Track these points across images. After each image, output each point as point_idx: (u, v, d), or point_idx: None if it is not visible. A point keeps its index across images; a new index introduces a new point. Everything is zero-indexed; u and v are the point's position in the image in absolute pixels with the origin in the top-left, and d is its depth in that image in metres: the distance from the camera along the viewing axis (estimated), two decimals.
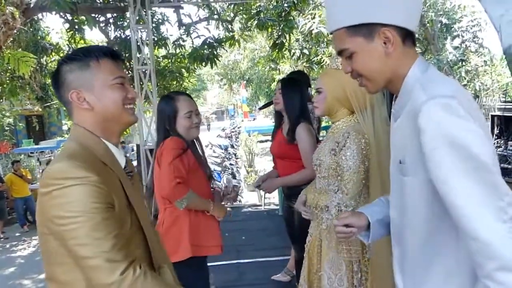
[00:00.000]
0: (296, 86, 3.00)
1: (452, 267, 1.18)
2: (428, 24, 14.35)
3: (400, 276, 1.35)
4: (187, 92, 10.88)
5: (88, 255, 1.13)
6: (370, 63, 1.21)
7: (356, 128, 2.07)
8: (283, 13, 8.20)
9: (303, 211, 2.37)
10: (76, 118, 1.33)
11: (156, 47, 8.95)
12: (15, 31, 6.48)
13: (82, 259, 1.14)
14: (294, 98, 2.92)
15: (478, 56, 14.36)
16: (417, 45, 14.80)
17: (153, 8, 7.60)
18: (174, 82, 9.88)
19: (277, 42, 8.60)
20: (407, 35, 1.21)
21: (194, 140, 2.54)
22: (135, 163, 8.42)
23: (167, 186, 2.25)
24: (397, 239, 1.37)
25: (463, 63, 13.99)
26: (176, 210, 2.33)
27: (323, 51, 9.60)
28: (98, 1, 7.78)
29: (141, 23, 6.41)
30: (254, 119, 28.29)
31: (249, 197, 11.35)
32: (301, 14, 8.77)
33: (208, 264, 2.58)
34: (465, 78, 14.52)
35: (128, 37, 8.28)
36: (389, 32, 1.17)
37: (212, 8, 8.70)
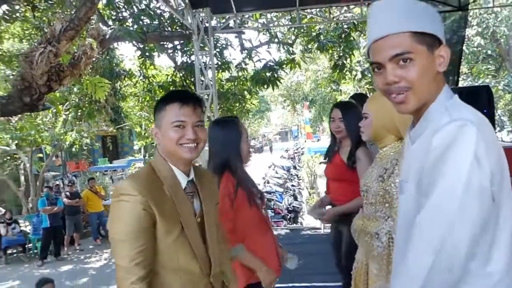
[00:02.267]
0: (355, 111, 2.95)
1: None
2: (501, 40, 13.59)
3: None
4: (251, 113, 11.17)
5: (116, 262, 1.46)
6: (424, 75, 1.15)
7: None
8: (343, 35, 8.24)
9: (317, 215, 2.37)
10: (158, 145, 1.67)
11: (220, 70, 9.32)
12: (93, 60, 7.10)
13: (116, 264, 1.47)
14: (355, 124, 2.80)
15: None
16: (490, 62, 14.02)
17: (217, 34, 7.97)
18: (237, 104, 10.18)
19: (337, 63, 8.62)
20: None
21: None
22: None
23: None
24: (399, 259, 1.34)
25: None
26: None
27: None
28: (166, 30, 8.31)
29: (205, 49, 6.76)
30: (318, 140, 28.12)
31: (310, 219, 11.26)
32: (362, 35, 8.75)
33: None
34: None
35: (194, 62, 8.73)
36: (445, 51, 1.16)
37: (272, 33, 8.94)
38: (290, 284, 4.61)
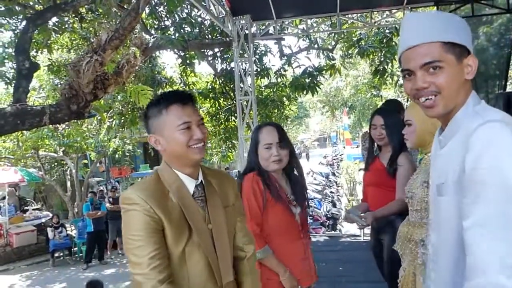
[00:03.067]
0: (397, 118, 2.91)
1: None
2: None
3: None
4: (289, 119, 11.15)
5: (133, 272, 1.43)
6: (452, 83, 1.23)
7: None
8: (384, 40, 8.08)
9: (356, 220, 2.49)
10: (162, 153, 1.60)
11: (259, 77, 9.35)
12: (136, 68, 7.29)
13: (132, 273, 1.45)
14: (398, 130, 2.74)
15: None
16: None
17: (256, 41, 8.00)
18: (276, 111, 10.17)
19: (378, 68, 8.46)
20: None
21: (295, 169, 2.45)
22: None
23: None
24: (434, 263, 1.38)
25: None
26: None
27: None
28: (206, 38, 8.43)
29: (244, 55, 6.80)
30: (357, 146, 27.69)
31: (349, 227, 11.05)
32: None
33: None
34: None
35: (233, 69, 8.81)
36: (472, 61, 1.24)
37: (312, 38, 8.88)
38: None
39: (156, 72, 10.05)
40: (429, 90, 1.24)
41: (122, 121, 10.21)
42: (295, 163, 2.45)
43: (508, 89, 8.85)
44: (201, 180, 1.62)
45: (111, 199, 10.29)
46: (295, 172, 2.48)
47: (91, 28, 8.22)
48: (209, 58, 9.23)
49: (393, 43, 8.11)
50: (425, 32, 1.25)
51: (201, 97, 9.82)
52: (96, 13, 7.80)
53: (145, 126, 1.59)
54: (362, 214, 2.88)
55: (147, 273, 1.39)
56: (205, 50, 8.77)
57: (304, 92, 8.51)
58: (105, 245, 10.07)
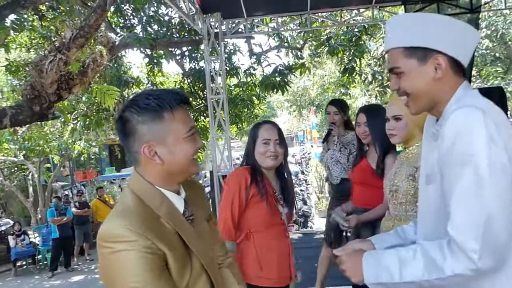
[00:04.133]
0: (381, 115, 2.85)
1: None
2: (509, 42, 13.49)
3: None
4: (258, 119, 11.13)
5: None
6: (418, 84, 1.29)
7: None
8: (353, 38, 8.16)
9: (341, 223, 2.55)
10: (140, 168, 1.27)
11: (228, 76, 9.26)
12: (102, 67, 7.06)
13: None
14: (380, 128, 2.70)
15: None
16: (499, 64, 13.93)
17: (225, 40, 7.91)
18: (245, 110, 10.11)
19: (347, 67, 8.54)
20: (458, 67, 1.29)
21: (282, 169, 2.48)
22: (208, 189, 8.65)
23: (219, 220, 2.30)
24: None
25: None
26: (242, 243, 2.34)
27: None
28: (175, 36, 8.26)
29: (214, 54, 6.69)
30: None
31: (320, 223, 11.15)
32: (372, 39, 8.67)
33: None
34: None
35: (202, 68, 8.68)
36: (442, 59, 1.26)
37: (282, 37, 8.88)
38: None
39: (122, 72, 9.78)
40: (400, 92, 1.34)
41: (87, 122, 9.87)
42: (286, 164, 2.51)
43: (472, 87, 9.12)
44: (185, 195, 1.36)
45: (77, 204, 9.96)
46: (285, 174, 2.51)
47: (52, 27, 7.89)
48: (177, 57, 9.06)
49: (362, 42, 8.21)
50: (391, 38, 1.34)
51: None
52: (58, 11, 7.50)
53: (124, 129, 1.24)
54: (348, 217, 2.87)
55: None
56: (173, 49, 8.60)
57: (275, 91, 8.49)
58: (71, 251, 9.72)
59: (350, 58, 8.43)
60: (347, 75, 8.75)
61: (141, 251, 1.12)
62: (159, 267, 1.16)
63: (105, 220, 1.20)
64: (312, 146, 23.25)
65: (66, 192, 12.97)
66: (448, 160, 1.19)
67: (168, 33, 8.11)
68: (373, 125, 2.84)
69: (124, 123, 1.23)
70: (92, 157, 14.39)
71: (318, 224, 11.26)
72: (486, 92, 6.36)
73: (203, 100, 9.07)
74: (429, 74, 1.27)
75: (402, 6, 6.79)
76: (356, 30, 8.13)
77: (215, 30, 6.52)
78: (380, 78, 9.51)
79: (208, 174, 12.86)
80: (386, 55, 1.38)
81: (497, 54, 14.15)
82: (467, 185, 1.13)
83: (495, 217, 1.11)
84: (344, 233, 3.43)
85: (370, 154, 2.99)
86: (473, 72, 13.62)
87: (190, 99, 9.51)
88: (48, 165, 14.76)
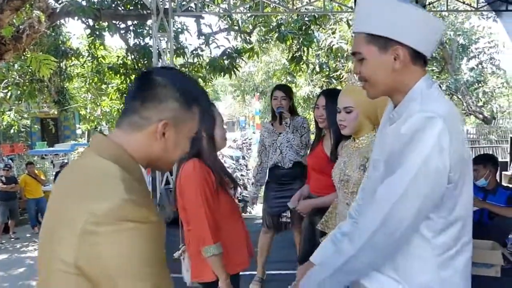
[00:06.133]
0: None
1: (411, 249, 1.34)
2: (446, 43, 14.28)
3: None
4: None
5: None
6: (377, 72, 1.32)
7: None
8: (303, 27, 8.24)
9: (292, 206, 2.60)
10: (135, 137, 1.13)
11: (175, 56, 9.02)
12: (39, 35, 6.60)
13: None
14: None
15: (496, 78, 14.23)
16: (434, 64, 14.72)
17: (174, 17, 7.69)
18: None
19: (295, 55, 8.62)
20: (418, 57, 1.31)
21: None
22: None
23: (200, 227, 2.13)
24: None
25: (480, 84, 13.88)
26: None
27: (342, 66, 9.61)
28: (121, 8, 7.89)
29: (162, 31, 6.48)
30: None
31: (259, 209, 11.29)
32: (321, 29, 8.81)
33: None
34: (481, 100, 14.37)
35: (147, 45, 8.38)
36: (402, 50, 1.28)
37: (233, 19, 8.77)
38: (248, 273, 4.56)
39: (60, 42, 9.23)
40: (360, 77, 1.37)
41: (19, 92, 9.24)
42: None
43: None
44: None
45: (3, 178, 9.33)
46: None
47: None
48: (122, 31, 8.67)
49: (311, 31, 8.31)
50: (357, 21, 1.36)
51: (111, 72, 9.23)
52: None
53: (150, 91, 1.12)
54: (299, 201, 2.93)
55: None
56: (118, 22, 8.21)
57: (222, 74, 8.40)
58: None
59: (299, 46, 8.51)
60: (294, 63, 8.83)
61: (153, 227, 1.01)
62: (163, 245, 1.08)
63: (90, 197, 1.01)
64: (254, 132, 23.38)
65: None
66: (393, 157, 1.26)
67: (114, 5, 7.72)
68: (331, 110, 2.78)
69: (155, 85, 1.12)
70: (22, 130, 13.52)
71: (258, 209, 11.38)
72: None
73: None
74: (388, 64, 1.30)
75: None
76: (306, 19, 8.21)
77: (165, 6, 6.30)
78: (327, 69, 9.70)
79: None
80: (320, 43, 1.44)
81: (433, 54, 14.94)
82: (392, 178, 1.26)
83: (393, 216, 1.26)
84: (281, 218, 3.45)
85: (325, 141, 3.00)
86: None
87: (133, 76, 9.23)
88: None
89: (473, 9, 7.85)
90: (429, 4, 7.65)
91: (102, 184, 1.03)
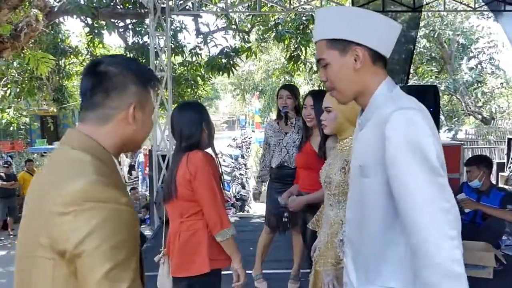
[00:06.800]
0: None
1: (404, 253, 1.31)
2: (445, 43, 14.26)
3: (353, 272, 1.48)
4: (201, 100, 11.00)
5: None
6: (339, 75, 1.36)
7: None
8: (301, 26, 8.24)
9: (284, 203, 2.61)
10: (105, 128, 1.17)
11: (173, 54, 9.03)
12: (37, 33, 6.62)
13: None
14: None
15: (495, 78, 14.19)
16: (433, 64, 14.66)
17: (172, 16, 7.70)
18: (189, 90, 9.93)
19: (293, 54, 8.63)
20: (378, 57, 1.36)
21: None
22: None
23: (216, 211, 2.23)
24: (351, 239, 1.51)
25: (479, 85, 13.85)
26: (195, 223, 2.29)
27: None
28: (119, 7, 7.90)
29: (159, 30, 6.49)
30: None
31: (257, 208, 11.32)
32: None
33: None
34: (480, 100, 14.34)
35: (146, 43, 8.39)
36: (360, 51, 1.33)
37: (231, 18, 8.77)
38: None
39: (59, 40, 9.23)
40: (328, 84, 1.41)
41: (18, 90, 9.25)
42: None
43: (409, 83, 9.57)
44: None
45: (3, 175, 9.36)
46: None
47: None
48: (120, 30, 8.68)
49: (308, 31, 8.31)
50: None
51: None
52: None
53: (111, 85, 1.17)
54: (289, 198, 2.95)
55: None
56: (117, 21, 8.22)
57: (220, 73, 8.41)
58: None
59: (296, 46, 8.51)
60: (292, 62, 8.84)
61: (123, 209, 1.05)
62: (135, 228, 1.10)
63: (68, 177, 1.04)
64: (253, 131, 23.39)
65: None
66: (398, 160, 1.22)
67: (112, 3, 7.72)
68: (319, 109, 2.89)
69: (108, 76, 1.17)
70: (22, 127, 13.53)
71: (255, 208, 11.41)
72: (422, 90, 6.71)
73: None
74: (349, 65, 1.34)
75: (348, 3, 6.96)
76: (304, 18, 8.22)
77: (162, 5, 6.31)
78: None
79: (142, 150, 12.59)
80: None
81: (433, 54, 14.92)
82: (424, 187, 1.18)
83: (448, 207, 1.18)
84: (284, 218, 3.47)
85: (314, 138, 3.05)
86: (411, 70, 14.31)
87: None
88: None
89: (471, 9, 7.83)
90: (427, 4, 7.65)
91: (71, 169, 1.07)
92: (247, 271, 4.40)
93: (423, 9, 7.55)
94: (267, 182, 4.19)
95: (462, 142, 8.54)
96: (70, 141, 1.16)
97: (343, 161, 2.10)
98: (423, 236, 1.17)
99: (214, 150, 2.40)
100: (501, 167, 8.62)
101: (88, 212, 0.99)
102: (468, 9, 8.30)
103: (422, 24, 13.09)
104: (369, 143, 1.33)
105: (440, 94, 14.89)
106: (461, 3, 7.49)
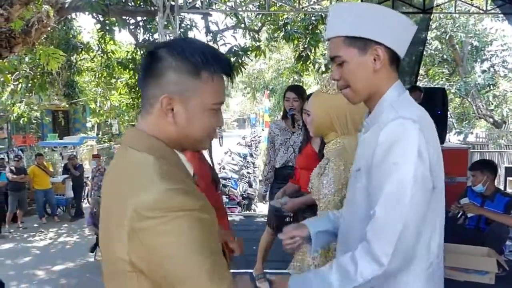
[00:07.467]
0: None
1: None
2: (457, 45, 14.11)
3: None
4: None
5: None
6: (358, 74, 1.31)
7: (339, 153, 1.99)
8: (310, 26, 8.23)
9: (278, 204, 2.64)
10: (150, 121, 1.07)
11: None
12: (48, 29, 6.70)
13: None
14: None
15: (507, 81, 14.01)
16: (445, 66, 14.51)
17: (182, 14, 7.73)
18: None
19: (302, 54, 8.61)
20: (394, 59, 1.32)
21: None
22: None
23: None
24: (343, 240, 1.51)
25: (491, 88, 13.68)
26: None
27: None
28: (130, 4, 7.96)
29: (169, 27, 6.53)
30: None
31: (263, 207, 11.32)
32: None
33: None
34: (492, 103, 14.16)
35: (156, 40, 8.43)
36: (381, 50, 1.29)
37: (240, 17, 8.79)
38: (243, 270, 4.60)
39: (71, 36, 9.34)
40: (340, 83, 1.35)
41: (30, 85, 9.38)
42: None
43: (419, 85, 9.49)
44: None
45: (13, 169, 9.49)
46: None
47: None
48: (131, 27, 8.75)
49: (318, 31, 8.29)
50: (332, 26, 1.34)
51: (120, 67, 9.32)
52: None
53: (152, 69, 1.04)
54: (283, 200, 2.95)
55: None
56: (127, 18, 8.29)
57: None
58: (3, 218, 9.29)
59: (305, 46, 8.50)
60: (301, 62, 8.83)
61: (198, 216, 0.97)
62: (215, 231, 1.04)
63: (131, 193, 0.97)
64: (263, 130, 23.35)
65: (1, 156, 12.25)
66: (379, 166, 1.24)
67: (123, 0, 7.79)
68: None
69: (154, 60, 1.04)
70: (33, 121, 13.70)
71: (261, 207, 11.42)
72: (431, 92, 6.60)
73: None
74: (369, 65, 1.30)
75: (359, 0, 6.92)
76: (313, 18, 8.20)
77: (171, 3, 6.35)
78: None
79: None
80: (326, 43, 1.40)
81: (444, 56, 14.78)
82: (391, 192, 1.20)
83: (409, 225, 1.20)
84: (286, 219, 3.46)
85: (315, 139, 3.05)
86: (421, 71, 14.21)
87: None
88: None
89: (482, 11, 7.75)
90: (438, 6, 7.59)
91: (140, 177, 0.99)
92: (247, 270, 4.44)
93: (433, 11, 7.48)
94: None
95: (469, 146, 8.44)
96: (131, 142, 1.07)
97: (319, 167, 2.11)
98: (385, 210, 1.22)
99: (210, 154, 2.40)
100: (510, 171, 8.50)
101: (168, 224, 0.94)
102: (479, 11, 8.20)
103: (433, 25, 12.98)
104: (368, 147, 1.32)
105: (452, 97, 14.83)
106: (472, 5, 7.40)
